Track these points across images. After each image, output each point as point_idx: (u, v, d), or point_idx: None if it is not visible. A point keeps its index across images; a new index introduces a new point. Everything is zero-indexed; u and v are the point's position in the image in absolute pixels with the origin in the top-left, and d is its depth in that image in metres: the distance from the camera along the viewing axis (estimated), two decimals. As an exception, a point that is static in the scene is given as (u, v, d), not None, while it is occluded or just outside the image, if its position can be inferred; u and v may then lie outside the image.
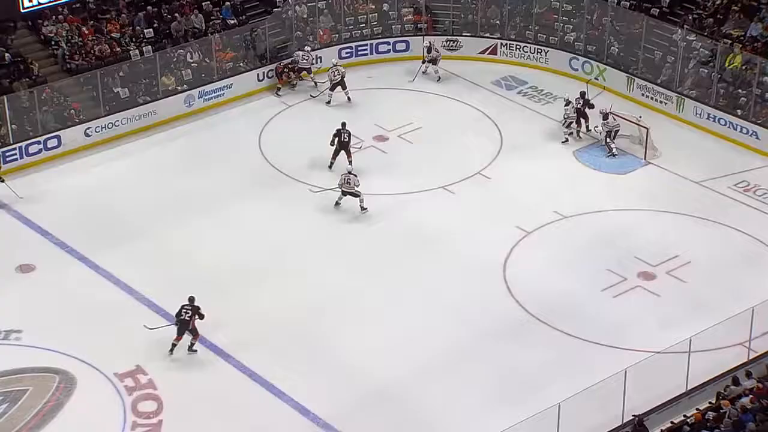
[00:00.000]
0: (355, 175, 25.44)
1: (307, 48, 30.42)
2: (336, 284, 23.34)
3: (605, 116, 27.68)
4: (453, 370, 21.09)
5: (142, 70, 29.29)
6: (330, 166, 26.81)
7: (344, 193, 25.46)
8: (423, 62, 30.62)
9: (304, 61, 30.27)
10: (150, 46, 29.82)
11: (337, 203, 25.50)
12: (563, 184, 26.71)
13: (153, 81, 29.26)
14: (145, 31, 30.30)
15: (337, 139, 26.79)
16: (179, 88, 29.59)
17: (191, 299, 21.42)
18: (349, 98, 29.76)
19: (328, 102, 29.73)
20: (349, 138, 26.84)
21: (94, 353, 21.35)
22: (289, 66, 30.24)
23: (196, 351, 21.42)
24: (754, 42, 29.20)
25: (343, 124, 26.92)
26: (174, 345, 21.28)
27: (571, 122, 28.18)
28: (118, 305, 22.83)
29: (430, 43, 30.76)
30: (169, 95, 29.35)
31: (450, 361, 21.30)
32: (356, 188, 25.32)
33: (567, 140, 28.11)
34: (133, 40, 30.02)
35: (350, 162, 26.50)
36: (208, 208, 25.68)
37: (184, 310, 21.24)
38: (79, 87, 28.77)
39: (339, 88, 29.71)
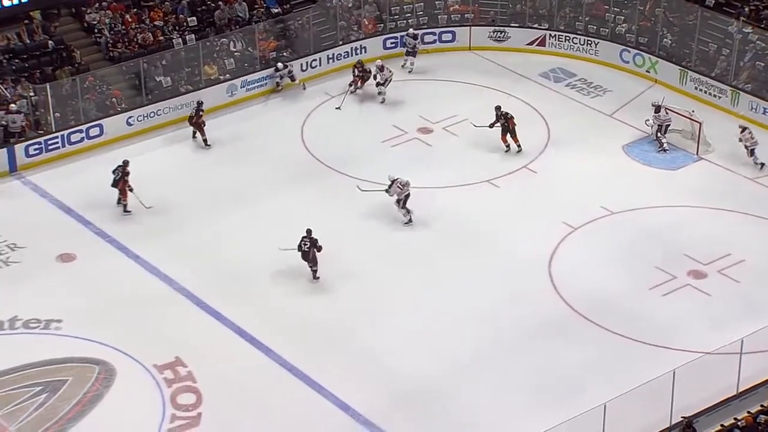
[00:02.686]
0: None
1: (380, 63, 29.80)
2: (376, 278, 23.38)
3: (657, 109, 27.44)
4: (495, 368, 21.05)
5: (185, 59, 29.50)
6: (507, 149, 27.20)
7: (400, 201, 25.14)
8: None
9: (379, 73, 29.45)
10: (193, 35, 30.02)
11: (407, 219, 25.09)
12: (612, 179, 26.53)
13: (195, 70, 29.46)
14: (189, 19, 30.51)
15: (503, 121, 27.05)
16: (222, 77, 29.76)
17: (309, 231, 22.88)
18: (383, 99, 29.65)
19: (383, 101, 29.60)
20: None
21: (133, 344, 21.56)
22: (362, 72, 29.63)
23: (319, 278, 23.01)
24: (812, 34, 28.87)
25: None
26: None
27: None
28: (158, 296, 23.02)
29: (380, 65, 29.63)
30: (212, 84, 29.53)
31: (492, 358, 21.26)
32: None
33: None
34: (176, 28, 30.24)
35: (518, 147, 27.30)
36: (249, 199, 25.81)
37: (303, 242, 22.75)
38: (122, 75, 29.03)
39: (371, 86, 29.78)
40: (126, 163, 25.38)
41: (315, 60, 30.78)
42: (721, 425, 18.77)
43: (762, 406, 19.10)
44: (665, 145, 27.37)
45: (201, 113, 27.75)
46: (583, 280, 23.23)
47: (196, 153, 27.89)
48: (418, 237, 24.70)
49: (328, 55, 30.99)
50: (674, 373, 19.04)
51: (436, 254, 24.12)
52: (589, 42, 31.36)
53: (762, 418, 18.49)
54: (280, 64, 29.80)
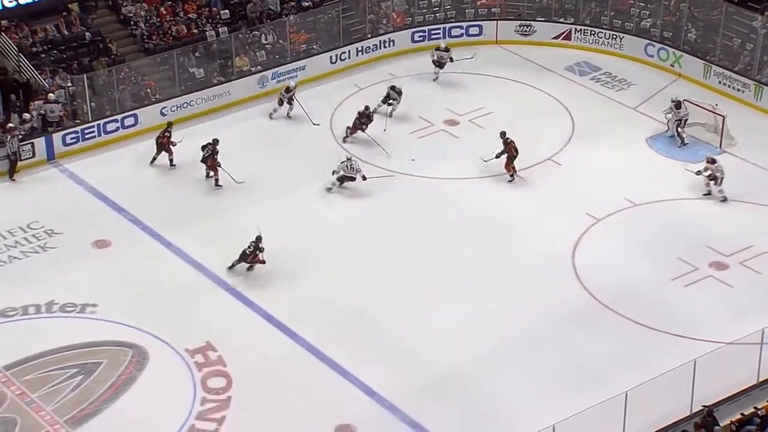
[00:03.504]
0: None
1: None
2: (403, 269, 23.36)
3: (677, 105, 27.24)
4: (519, 357, 21.02)
5: (217, 51, 29.59)
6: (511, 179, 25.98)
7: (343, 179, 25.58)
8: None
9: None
10: (226, 27, 30.11)
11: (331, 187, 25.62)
12: (635, 172, 26.38)
13: (228, 62, 29.55)
14: (221, 12, 30.60)
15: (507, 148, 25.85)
16: (253, 69, 29.83)
17: (258, 238, 22.80)
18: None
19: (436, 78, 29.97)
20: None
21: (165, 329, 21.69)
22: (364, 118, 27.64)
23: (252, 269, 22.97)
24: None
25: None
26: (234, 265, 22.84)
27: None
28: (190, 282, 23.15)
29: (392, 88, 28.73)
30: (243, 76, 29.61)
31: (516, 348, 21.22)
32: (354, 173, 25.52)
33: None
34: (209, 21, 30.34)
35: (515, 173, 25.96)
36: (280, 189, 25.87)
37: (250, 245, 22.81)
38: (156, 67, 29.17)
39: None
40: (216, 141, 25.82)
41: (344, 53, 30.78)
42: (741, 414, 18.67)
43: (782, 396, 19.01)
44: (685, 138, 27.18)
45: (168, 134, 26.39)
46: (606, 271, 23.13)
47: (228, 143, 27.90)
48: (444, 228, 24.67)
49: (357, 48, 30.99)
50: (695, 362, 18.95)
51: (462, 245, 24.08)
52: (614, 36, 31.18)
53: (781, 408, 18.40)
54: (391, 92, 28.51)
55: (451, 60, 29.86)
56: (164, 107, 28.54)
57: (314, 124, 27.98)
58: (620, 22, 31.25)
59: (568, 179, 26.13)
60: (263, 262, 22.90)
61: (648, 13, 30.96)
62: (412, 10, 31.79)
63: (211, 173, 25.91)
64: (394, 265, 23.45)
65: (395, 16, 31.71)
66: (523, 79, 30.18)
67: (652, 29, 30.85)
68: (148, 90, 28.71)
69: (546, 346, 21.21)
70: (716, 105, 27.76)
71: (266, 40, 30.19)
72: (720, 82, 29.35)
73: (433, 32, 31.72)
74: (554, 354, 21.03)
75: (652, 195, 25.41)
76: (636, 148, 27.32)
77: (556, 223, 24.62)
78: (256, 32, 30.15)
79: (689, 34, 30.22)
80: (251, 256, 22.87)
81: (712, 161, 25.18)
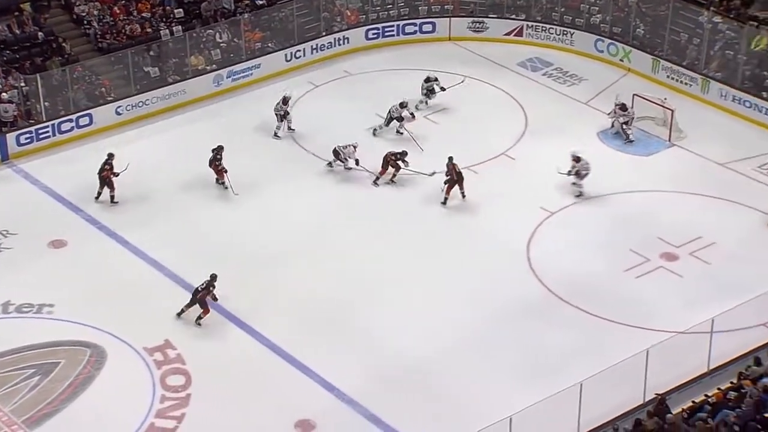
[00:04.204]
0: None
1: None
2: (361, 263, 23.34)
3: (622, 107, 27.40)
4: (477, 350, 21.07)
5: (172, 50, 29.34)
6: (443, 202, 24.95)
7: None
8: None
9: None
10: (180, 26, 29.85)
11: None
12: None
13: (183, 60, 29.30)
14: (175, 11, 30.33)
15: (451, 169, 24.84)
16: (208, 67, 29.61)
17: (213, 277, 21.58)
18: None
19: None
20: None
21: (124, 328, 21.49)
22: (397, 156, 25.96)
23: (200, 325, 21.58)
24: (781, 23, 28.96)
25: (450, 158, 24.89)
26: (183, 311, 21.69)
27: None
28: (148, 281, 22.94)
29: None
30: (199, 75, 29.39)
31: (474, 341, 21.27)
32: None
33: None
34: (163, 19, 30.06)
35: (463, 195, 24.96)
36: (237, 186, 25.70)
37: (202, 284, 21.58)
38: (110, 66, 28.87)
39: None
40: (220, 148, 25.40)
41: (299, 50, 30.66)
42: (693, 401, 18.85)
43: (732, 382, 19.18)
44: (631, 136, 27.30)
45: (109, 166, 24.90)
46: (560, 264, 23.26)
47: (183, 142, 27.75)
48: (401, 223, 24.67)
49: (312, 46, 30.88)
50: (647, 352, 19.11)
51: (419, 239, 24.10)
52: (565, 32, 31.35)
53: (732, 394, 18.57)
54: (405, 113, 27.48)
55: (443, 89, 28.49)
56: (119, 106, 28.25)
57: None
58: (571, 18, 31.43)
59: (522, 174, 26.23)
60: (216, 299, 21.63)
61: (597, 9, 31.15)
62: (366, 7, 31.73)
63: (218, 178, 25.43)
64: (353, 262, 23.40)
65: (349, 14, 31.63)
66: (476, 75, 30.24)
67: (601, 25, 31.05)
68: (103, 89, 28.40)
69: (503, 339, 21.28)
70: (665, 99, 28.00)
71: (221, 38, 29.98)
72: (668, 77, 29.61)
73: (386, 30, 31.70)
74: (511, 346, 21.10)
75: (604, 188, 25.58)
76: (588, 142, 27.48)
77: (510, 217, 24.71)
78: (211, 31, 29.92)
79: (638, 30, 30.45)
80: (202, 293, 21.41)
81: (577, 159, 24.96)
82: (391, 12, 31.90)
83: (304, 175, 26.31)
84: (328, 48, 31.13)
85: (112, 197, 25.02)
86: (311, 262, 23.34)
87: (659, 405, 18.50)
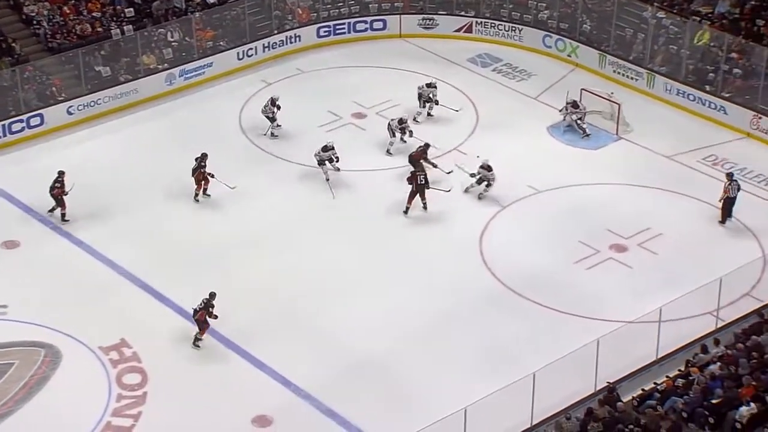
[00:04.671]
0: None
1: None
2: (317, 259, 23.31)
3: (574, 104, 27.60)
4: (432, 343, 21.13)
5: (123, 49, 29.06)
6: (405, 212, 24.47)
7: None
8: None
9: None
10: (131, 26, 29.56)
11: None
12: (537, 159, 26.72)
13: (134, 60, 29.03)
14: (126, 10, 30.03)
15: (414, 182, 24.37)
16: (160, 66, 29.37)
17: (211, 295, 20.77)
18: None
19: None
20: (426, 181, 24.31)
21: (78, 327, 21.26)
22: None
23: (198, 347, 20.87)
24: (722, 19, 29.28)
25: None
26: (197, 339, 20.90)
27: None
28: (102, 280, 22.71)
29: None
30: (150, 74, 29.13)
31: (429, 334, 21.33)
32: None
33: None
34: (114, 19, 29.76)
35: (425, 206, 24.41)
36: (190, 185, 25.51)
37: (201, 303, 20.74)
38: (61, 65, 28.52)
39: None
40: (204, 156, 24.80)
41: (251, 49, 30.52)
42: (642, 389, 19.06)
43: (679, 370, 19.43)
44: (587, 130, 27.55)
45: (60, 183, 24.14)
46: (512, 256, 23.40)
47: (136, 141, 27.51)
48: (355, 218, 24.66)
49: (264, 44, 30.75)
50: (598, 342, 19.28)
51: (373, 235, 24.11)
52: (514, 28, 31.52)
53: (680, 381, 18.81)
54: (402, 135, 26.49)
55: (437, 103, 27.71)
56: (70, 106, 27.93)
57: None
58: (519, 14, 31.59)
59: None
60: (216, 316, 20.78)
61: (545, 5, 31.36)
62: (317, 5, 31.65)
63: (197, 189, 24.74)
64: (308, 258, 23.36)
65: (301, 12, 31.53)
66: (427, 71, 30.27)
67: (549, 21, 31.26)
68: (54, 89, 28.05)
69: (457, 332, 21.36)
70: (612, 93, 28.26)
71: (172, 37, 29.74)
72: (615, 71, 29.89)
73: (338, 27, 31.65)
74: (465, 338, 21.19)
75: (554, 182, 25.77)
76: (537, 136, 27.67)
77: (463, 211, 24.79)
78: (162, 30, 29.67)
79: (584, 25, 30.70)
80: (200, 313, 20.69)
81: (488, 168, 24.84)
82: (342, 10, 31.85)
83: (258, 173, 26.21)
84: (280, 46, 31.03)
85: (63, 215, 24.29)
86: (267, 259, 23.26)
87: (610, 393, 18.70)
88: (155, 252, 23.43)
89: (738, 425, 17.57)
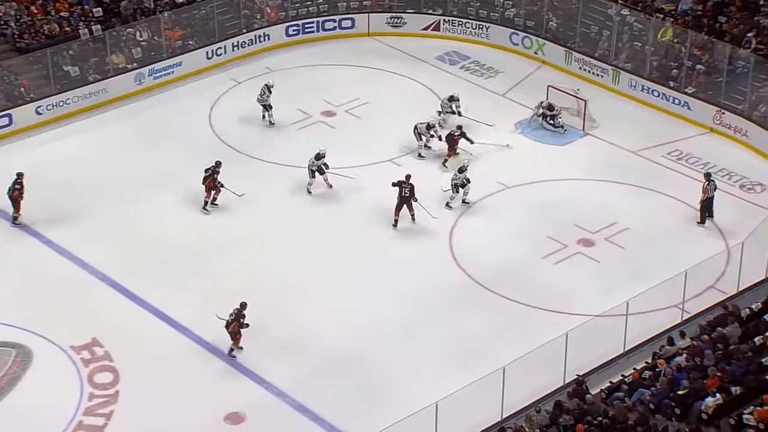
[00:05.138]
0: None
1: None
2: (287, 257, 23.25)
3: (550, 107, 27.66)
4: (402, 338, 21.14)
5: (92, 49, 28.82)
6: (394, 225, 24.09)
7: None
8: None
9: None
10: (99, 25, 29.33)
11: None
12: (505, 156, 26.79)
13: (103, 59, 28.81)
14: (94, 10, 29.79)
15: (398, 191, 24.03)
16: (129, 66, 29.17)
17: (242, 305, 20.41)
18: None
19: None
20: (412, 192, 23.88)
21: (49, 327, 21.09)
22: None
23: (235, 356, 20.52)
24: (685, 16, 29.50)
25: (407, 177, 23.95)
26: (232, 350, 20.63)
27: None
28: (73, 279, 22.54)
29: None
30: (120, 73, 28.93)
31: (400, 330, 21.33)
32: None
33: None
34: (82, 19, 29.51)
35: (413, 217, 24.05)
36: (161, 184, 25.39)
37: (229, 313, 20.41)
38: (29, 66, 28.24)
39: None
40: (218, 164, 24.36)
41: (220, 48, 30.38)
42: (611, 382, 19.17)
43: (647, 362, 19.55)
44: (565, 126, 27.54)
45: (19, 186, 23.67)
46: (482, 252, 23.45)
47: (106, 141, 27.31)
48: (327, 216, 24.62)
49: (233, 43, 30.62)
50: (567, 336, 19.38)
51: (345, 232, 24.08)
52: (481, 26, 31.58)
53: (647, 373, 18.94)
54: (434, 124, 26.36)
55: (460, 114, 27.28)
56: (39, 106, 27.68)
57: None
58: (486, 12, 31.66)
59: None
60: (247, 325, 20.45)
61: (511, 3, 31.44)
62: (285, 4, 31.55)
63: (206, 194, 24.28)
64: (278, 256, 23.29)
65: (269, 11, 31.42)
66: (396, 69, 30.31)
67: (515, 19, 31.35)
68: (22, 89, 27.78)
69: (429, 327, 21.38)
70: (578, 90, 28.39)
71: (141, 37, 29.54)
72: (581, 68, 30.03)
73: (306, 26, 31.58)
74: (436, 334, 21.22)
75: (522, 177, 25.85)
76: (506, 133, 27.72)
77: (433, 208, 24.77)
78: (131, 29, 29.46)
79: (551, 23, 30.81)
80: (232, 325, 20.38)
81: (463, 170, 24.79)
82: (310, 9, 31.77)
83: (228, 170, 25.96)
84: (249, 45, 30.90)
85: (15, 218, 23.89)
86: (239, 257, 23.17)
87: (578, 386, 18.79)
88: (126, 251, 23.27)
89: (704, 416, 17.72)
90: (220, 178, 24.43)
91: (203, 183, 24.40)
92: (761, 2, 29.00)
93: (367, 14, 31.88)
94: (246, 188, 25.30)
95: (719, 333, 19.41)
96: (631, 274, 22.56)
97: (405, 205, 24.08)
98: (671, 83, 28.63)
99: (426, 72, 30.27)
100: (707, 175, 24.40)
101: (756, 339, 19.15)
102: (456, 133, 26.28)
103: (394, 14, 31.96)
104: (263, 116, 27.63)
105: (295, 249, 23.48)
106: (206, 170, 24.43)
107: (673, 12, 29.71)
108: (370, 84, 29.52)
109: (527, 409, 18.75)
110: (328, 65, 30.25)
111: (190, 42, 30.24)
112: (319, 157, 25.09)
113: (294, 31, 31.53)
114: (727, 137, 27.53)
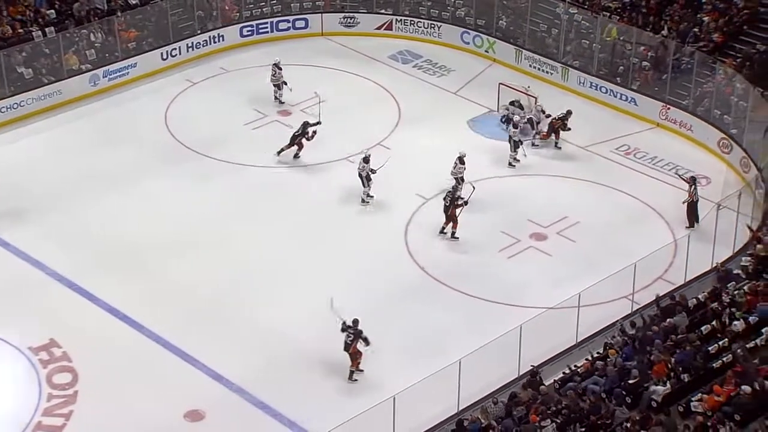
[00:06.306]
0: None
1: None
2: (246, 254, 23.12)
3: (521, 106, 27.65)
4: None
5: (46, 51, 28.41)
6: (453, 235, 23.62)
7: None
8: None
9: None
10: (52, 27, 28.93)
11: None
12: (457, 152, 26.81)
13: (57, 61, 28.42)
14: (47, 12, 29.36)
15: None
16: (83, 67, 28.81)
17: (355, 322, 19.84)
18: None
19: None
20: (452, 201, 23.42)
21: (6, 328, 20.79)
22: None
23: (356, 380, 19.90)
24: (630, 13, 29.75)
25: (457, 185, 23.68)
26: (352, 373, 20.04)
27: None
28: (30, 280, 22.23)
29: None
30: (74, 75, 28.57)
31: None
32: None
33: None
34: (36, 21, 29.08)
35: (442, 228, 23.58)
36: (118, 185, 25.14)
37: (347, 334, 19.81)
38: (-18, 68, 27.83)
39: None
40: (305, 124, 25.53)
41: (175, 49, 30.12)
42: (564, 372, 19.29)
43: (598, 353, 19.70)
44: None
45: None
46: (436, 247, 23.48)
47: (62, 142, 26.97)
48: (283, 213, 24.51)
49: (187, 44, 30.38)
50: (521, 328, 19.46)
51: (302, 230, 23.99)
52: (432, 25, 31.63)
53: (599, 363, 19.08)
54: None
55: (546, 115, 27.06)
56: (-7, 108, 27.31)
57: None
58: (437, 11, 31.72)
59: (398, 162, 26.31)
60: (368, 343, 19.74)
61: (462, 2, 31.52)
62: (240, 4, 31.35)
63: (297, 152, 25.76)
64: (237, 253, 23.16)
65: (227, 8, 31.17)
66: (349, 68, 30.26)
67: (467, 18, 31.44)
68: (-24, 91, 27.38)
69: (384, 322, 21.32)
70: (528, 87, 28.53)
71: (95, 38, 29.18)
72: (531, 66, 30.19)
73: (260, 27, 31.44)
74: (392, 328, 21.19)
75: (475, 173, 25.86)
76: (458, 130, 27.81)
77: (388, 204, 24.82)
78: (85, 31, 29.10)
79: (501, 22, 30.95)
80: (353, 346, 19.70)
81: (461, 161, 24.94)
82: (264, 9, 31.62)
83: (184, 170, 25.92)
84: (203, 46, 30.69)
85: None
86: (193, 254, 23.00)
87: (533, 377, 18.89)
88: (82, 251, 23.00)
89: (654, 403, 17.90)
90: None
91: (294, 142, 25.75)
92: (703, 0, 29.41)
93: (320, 14, 31.80)
94: (199, 187, 25.16)
95: (669, 323, 19.59)
96: (582, 267, 22.72)
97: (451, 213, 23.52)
98: (618, 80, 28.88)
99: (379, 71, 30.26)
100: (692, 179, 24.36)
101: (703, 328, 19.38)
102: (557, 120, 26.59)
103: (347, 14, 31.91)
104: (275, 96, 28.05)
105: (250, 246, 23.35)
106: (296, 131, 25.65)
107: (620, 9, 29.97)
108: (325, 83, 29.42)
109: (483, 401, 18.81)
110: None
111: (145, 43, 29.93)
112: (367, 160, 24.68)
113: (248, 31, 31.35)
114: (672, 132, 27.85)
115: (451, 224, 23.58)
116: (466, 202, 23.27)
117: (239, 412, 19.39)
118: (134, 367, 20.20)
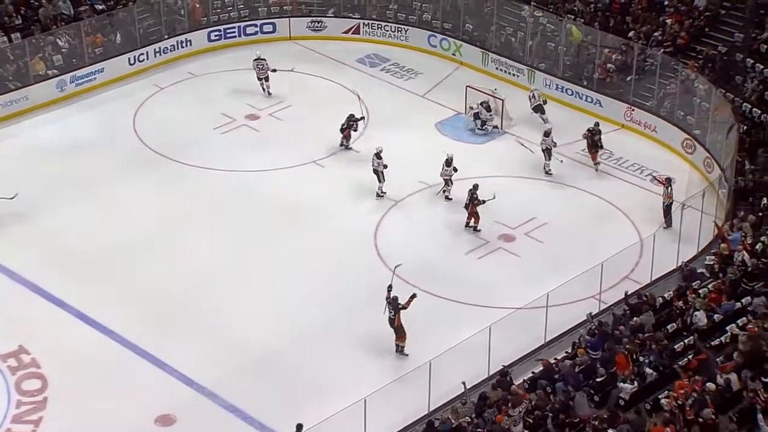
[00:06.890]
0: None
1: None
2: (215, 259, 23.00)
3: (488, 108, 27.59)
4: (330, 336, 21.04)
5: (11, 56, 28.12)
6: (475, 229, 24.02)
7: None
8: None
9: None
10: (18, 33, 28.65)
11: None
12: (427, 155, 26.80)
13: (24, 67, 28.14)
14: (13, 17, 29.07)
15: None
16: (50, 73, 28.55)
17: (394, 298, 20.09)
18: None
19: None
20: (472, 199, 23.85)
21: (-25, 337, 20.56)
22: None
23: (406, 355, 20.19)
24: (594, 15, 29.93)
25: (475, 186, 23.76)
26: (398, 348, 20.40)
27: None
28: (-3, 288, 22.01)
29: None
30: (41, 80, 28.31)
31: (328, 327, 21.23)
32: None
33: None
34: (1, 26, 28.79)
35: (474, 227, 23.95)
36: (86, 190, 24.95)
37: (389, 310, 20.11)
38: (-52, 74, 27.51)
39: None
40: (351, 116, 26.20)
41: (142, 54, 29.93)
42: (533, 372, 19.34)
43: (566, 352, 19.78)
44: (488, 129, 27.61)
45: None
46: (406, 249, 23.46)
47: (29, 148, 26.70)
48: (253, 218, 24.41)
49: (155, 49, 30.20)
50: (490, 329, 19.49)
51: (271, 233, 23.90)
52: (399, 29, 31.66)
53: (567, 362, 19.13)
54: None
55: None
56: (-41, 113, 27.01)
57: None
58: (404, 15, 31.74)
59: (367, 165, 26.30)
60: (405, 307, 20.16)
61: (429, 6, 31.56)
62: (207, 10, 31.20)
63: (344, 142, 26.30)
64: (206, 256, 23.04)
65: (198, 6, 30.98)
66: (317, 72, 30.21)
67: (433, 21, 31.49)
68: (-59, 96, 27.05)
69: (354, 324, 21.32)
70: (495, 89, 28.61)
71: (62, 43, 28.93)
72: (497, 68, 30.28)
73: (228, 31, 31.32)
74: (362, 330, 21.16)
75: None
76: (426, 133, 27.84)
77: (357, 206, 24.79)
78: (51, 36, 28.83)
79: (467, 25, 31.02)
80: (396, 319, 20.12)
81: (449, 163, 25.01)
82: (231, 14, 31.49)
83: (152, 174, 25.77)
84: (171, 51, 30.53)
85: None
86: (161, 259, 22.87)
87: (502, 377, 18.91)
88: (49, 257, 22.79)
89: (621, 401, 17.98)
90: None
91: (342, 132, 26.47)
92: (665, 2, 29.61)
93: (288, 19, 31.72)
94: (168, 191, 25.00)
95: (636, 322, 19.69)
96: (550, 267, 22.79)
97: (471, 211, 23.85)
98: (584, 82, 29.03)
99: (347, 74, 30.23)
100: (668, 180, 24.44)
101: (669, 326, 19.50)
102: (588, 133, 26.18)
103: (314, 18, 31.87)
104: (263, 88, 28.31)
105: (217, 250, 23.23)
106: (343, 124, 26.35)
107: (583, 12, 30.13)
108: (293, 88, 29.35)
109: (453, 402, 18.81)
110: (251, 69, 29.99)
111: (112, 48, 29.71)
112: (379, 155, 24.87)
113: (216, 36, 31.22)
114: (637, 133, 28.03)
115: (473, 219, 23.94)
116: (483, 201, 23.80)
117: (210, 415, 19.28)
118: (104, 373, 20.03)
